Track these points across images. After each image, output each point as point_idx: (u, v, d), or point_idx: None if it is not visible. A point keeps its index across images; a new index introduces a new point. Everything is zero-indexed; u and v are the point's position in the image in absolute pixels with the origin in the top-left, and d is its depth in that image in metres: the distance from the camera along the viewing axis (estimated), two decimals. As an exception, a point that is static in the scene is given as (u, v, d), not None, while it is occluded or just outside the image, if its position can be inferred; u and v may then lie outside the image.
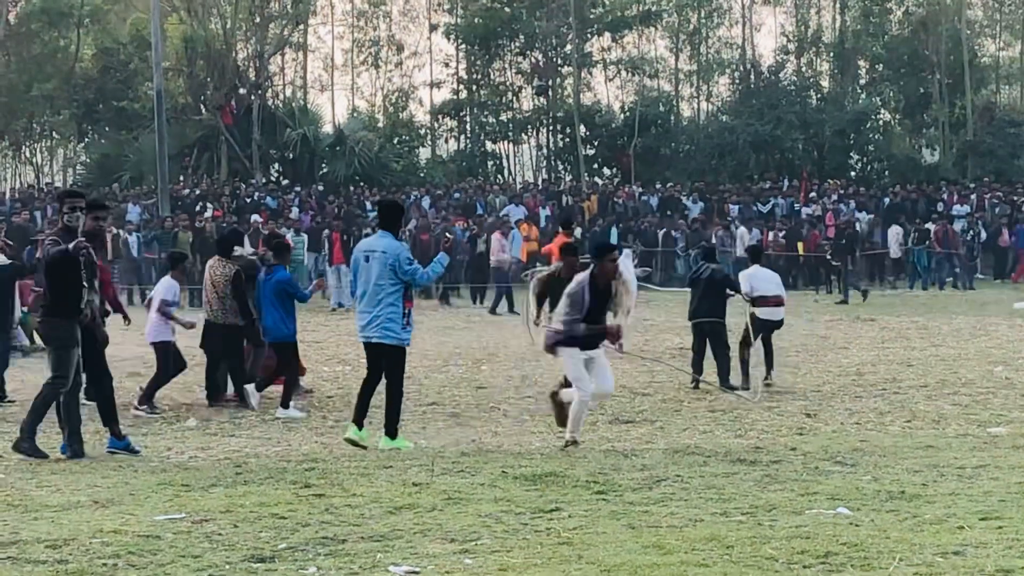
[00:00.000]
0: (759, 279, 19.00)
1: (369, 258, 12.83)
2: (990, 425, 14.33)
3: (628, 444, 13.07)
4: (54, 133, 55.65)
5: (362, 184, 47.40)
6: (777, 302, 18.97)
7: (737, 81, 55.26)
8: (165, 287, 17.03)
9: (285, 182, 48.78)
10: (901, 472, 10.30)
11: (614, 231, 40.30)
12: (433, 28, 55.72)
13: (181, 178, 46.99)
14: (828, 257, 39.56)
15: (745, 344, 18.70)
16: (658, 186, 47.57)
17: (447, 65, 55.74)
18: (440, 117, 55.51)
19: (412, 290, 13.06)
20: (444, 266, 13.34)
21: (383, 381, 13.04)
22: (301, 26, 54.42)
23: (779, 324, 19.09)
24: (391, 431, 12.91)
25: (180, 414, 15.79)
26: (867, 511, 8.65)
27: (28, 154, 55.97)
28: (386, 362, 12.89)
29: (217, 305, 16.54)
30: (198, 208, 41.84)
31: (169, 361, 16.46)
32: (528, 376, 19.02)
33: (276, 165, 52.41)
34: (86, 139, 54.40)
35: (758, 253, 20.36)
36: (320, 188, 46.67)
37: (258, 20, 51.92)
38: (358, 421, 12.95)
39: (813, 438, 13.36)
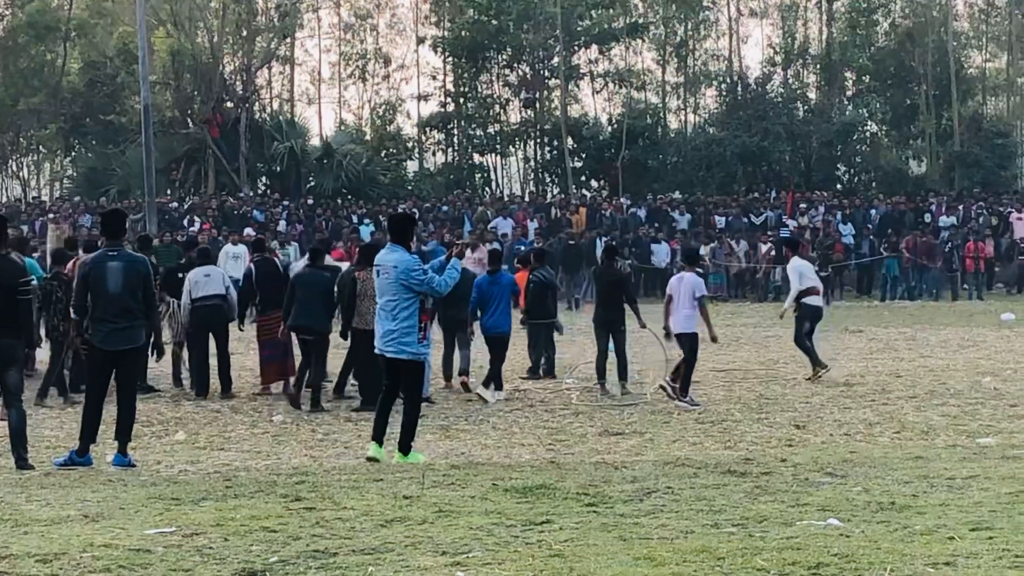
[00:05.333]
0: (807, 271, 21.43)
1: (380, 272, 12.82)
2: (979, 436, 14.39)
3: (618, 456, 13.08)
4: (41, 147, 55.57)
5: (350, 197, 47.41)
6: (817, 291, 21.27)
7: (724, 93, 55.16)
8: None
9: (275, 196, 48.60)
10: (891, 483, 10.29)
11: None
12: (420, 41, 55.69)
13: (168, 191, 46.94)
14: (816, 269, 39.69)
15: (802, 336, 20.77)
16: (648, 198, 47.60)
17: (434, 78, 55.77)
18: (427, 130, 55.40)
19: (428, 301, 12.91)
20: (459, 271, 13.19)
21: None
22: (288, 39, 54.41)
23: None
24: (404, 447, 12.78)
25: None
26: (857, 522, 8.64)
27: (15, 168, 55.84)
28: (403, 377, 12.82)
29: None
30: (185, 222, 41.84)
31: None
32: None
33: (264, 178, 52.42)
34: (73, 153, 54.35)
35: (796, 244, 23.74)
36: (308, 201, 46.63)
37: (245, 33, 51.89)
38: (378, 438, 12.88)
39: (803, 449, 13.39)
